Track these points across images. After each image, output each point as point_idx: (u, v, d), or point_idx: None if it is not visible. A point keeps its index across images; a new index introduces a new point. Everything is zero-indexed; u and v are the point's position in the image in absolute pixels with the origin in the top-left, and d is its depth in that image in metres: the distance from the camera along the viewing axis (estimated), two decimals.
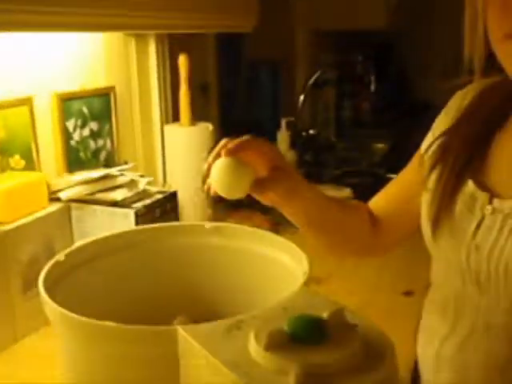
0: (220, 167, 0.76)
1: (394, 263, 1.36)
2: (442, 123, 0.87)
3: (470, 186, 0.78)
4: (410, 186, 0.91)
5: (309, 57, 2.55)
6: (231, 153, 0.78)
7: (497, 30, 0.68)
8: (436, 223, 0.81)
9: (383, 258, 1.03)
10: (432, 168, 0.84)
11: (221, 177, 0.76)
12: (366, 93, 2.80)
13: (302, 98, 2.30)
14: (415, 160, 0.92)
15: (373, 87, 2.37)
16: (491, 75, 0.77)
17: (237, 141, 0.80)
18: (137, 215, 1.11)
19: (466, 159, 0.80)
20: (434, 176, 0.83)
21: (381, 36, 2.78)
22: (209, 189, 0.81)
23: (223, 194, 0.78)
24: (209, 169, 0.79)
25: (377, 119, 2.90)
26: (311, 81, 2.34)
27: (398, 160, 1.00)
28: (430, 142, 0.87)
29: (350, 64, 2.88)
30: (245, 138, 0.81)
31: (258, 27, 1.37)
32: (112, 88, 1.36)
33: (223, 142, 0.81)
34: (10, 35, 1.06)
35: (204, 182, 0.83)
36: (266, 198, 0.83)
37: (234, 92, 2.09)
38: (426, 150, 0.87)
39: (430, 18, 2.96)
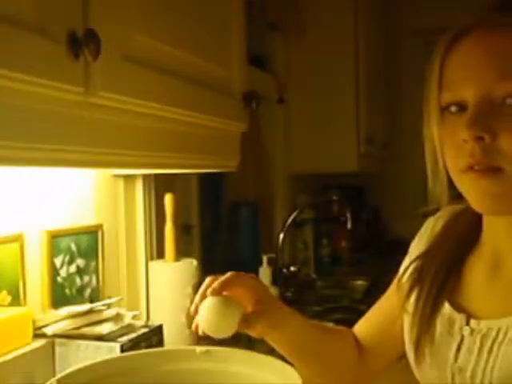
0: (208, 307, 0.77)
1: None
2: (416, 247, 0.93)
3: (447, 307, 0.82)
4: (391, 310, 0.94)
5: (286, 198, 2.67)
6: (217, 291, 0.81)
7: (453, 167, 0.76)
8: (418, 347, 0.84)
9: None
10: (410, 291, 0.88)
11: (209, 317, 0.77)
12: (342, 231, 2.90)
13: (281, 236, 2.37)
14: (394, 284, 0.96)
15: (349, 225, 2.46)
16: (458, 202, 0.84)
17: (221, 279, 0.83)
18: (122, 349, 1.11)
19: (441, 282, 0.84)
20: (412, 299, 0.87)
21: (354, 178, 2.94)
22: (197, 328, 0.82)
23: (212, 334, 0.79)
24: (196, 309, 0.81)
25: (355, 257, 2.97)
26: (289, 221, 2.43)
27: (378, 295, 1.02)
28: (406, 265, 0.92)
29: (325, 204, 3.01)
30: (228, 274, 0.84)
31: (237, 171, 1.46)
32: (100, 226, 1.41)
33: (208, 280, 0.84)
34: (2, 173, 1.12)
35: (190, 320, 0.84)
36: (252, 331, 0.85)
37: (215, 231, 2.16)
38: (403, 273, 0.91)
39: (398, 161, 3.16)
